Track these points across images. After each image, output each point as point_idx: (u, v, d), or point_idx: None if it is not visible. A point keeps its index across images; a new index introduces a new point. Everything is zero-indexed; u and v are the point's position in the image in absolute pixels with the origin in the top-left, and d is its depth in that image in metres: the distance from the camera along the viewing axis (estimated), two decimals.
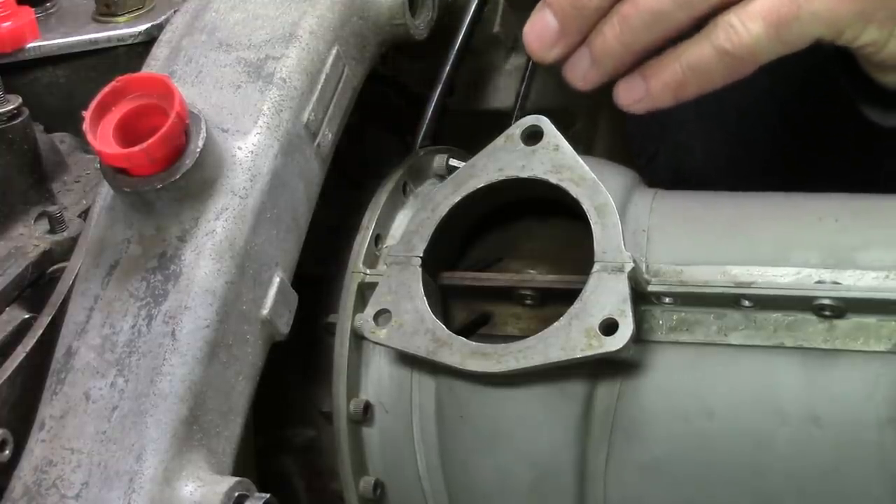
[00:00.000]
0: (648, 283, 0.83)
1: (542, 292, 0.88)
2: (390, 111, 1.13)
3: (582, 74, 0.94)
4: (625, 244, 0.83)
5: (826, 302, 0.79)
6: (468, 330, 0.89)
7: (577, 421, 0.84)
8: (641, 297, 0.83)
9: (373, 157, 1.06)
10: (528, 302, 0.89)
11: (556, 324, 0.82)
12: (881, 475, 0.78)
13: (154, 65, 0.90)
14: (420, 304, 0.86)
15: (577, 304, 0.82)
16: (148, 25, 1.13)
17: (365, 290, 0.91)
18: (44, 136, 1.01)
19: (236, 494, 0.73)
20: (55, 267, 0.91)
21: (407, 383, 0.90)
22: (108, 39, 1.13)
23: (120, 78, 0.77)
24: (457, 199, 0.90)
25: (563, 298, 0.84)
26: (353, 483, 0.90)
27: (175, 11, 0.97)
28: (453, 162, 1.00)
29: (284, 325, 0.83)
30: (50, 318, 0.85)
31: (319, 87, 0.87)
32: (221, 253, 0.78)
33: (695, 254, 0.85)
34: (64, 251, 0.91)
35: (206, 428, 0.76)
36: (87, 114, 0.76)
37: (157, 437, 0.74)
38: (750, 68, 0.89)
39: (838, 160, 1.14)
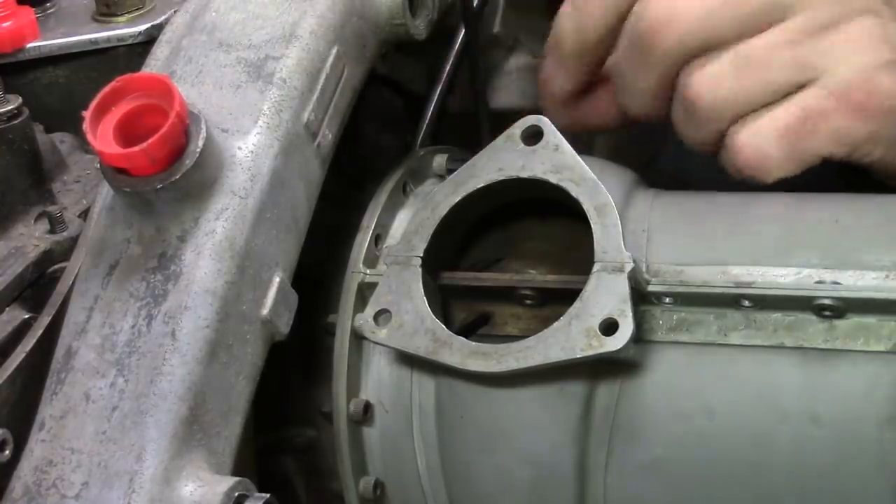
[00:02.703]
0: (648, 283, 0.83)
1: (542, 292, 0.88)
2: (390, 111, 1.13)
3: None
4: (625, 244, 0.83)
5: (826, 302, 0.79)
6: (468, 330, 0.89)
7: (577, 421, 0.84)
8: (641, 297, 0.83)
9: (373, 157, 1.06)
10: (528, 302, 0.89)
11: (556, 324, 0.82)
12: (881, 474, 0.78)
13: (154, 65, 0.90)
14: (420, 304, 0.86)
15: (577, 304, 0.82)
16: (148, 25, 1.13)
17: (365, 290, 0.91)
18: (44, 136, 1.01)
19: (236, 494, 0.73)
20: (55, 267, 0.91)
21: (407, 383, 0.90)
22: (108, 39, 1.13)
23: (120, 78, 0.77)
24: (457, 199, 0.90)
25: (563, 298, 0.84)
26: (353, 483, 0.90)
27: (175, 11, 0.97)
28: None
29: (284, 325, 0.83)
30: (50, 318, 0.85)
31: (319, 87, 0.87)
32: (221, 253, 0.78)
33: (695, 254, 0.85)
34: (64, 251, 0.91)
35: (206, 428, 0.76)
36: (87, 114, 0.76)
37: (157, 437, 0.74)
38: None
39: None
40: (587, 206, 0.85)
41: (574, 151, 0.88)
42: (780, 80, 0.88)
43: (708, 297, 0.82)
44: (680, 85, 0.91)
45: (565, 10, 0.95)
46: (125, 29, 1.14)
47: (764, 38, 0.88)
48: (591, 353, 0.80)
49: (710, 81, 0.89)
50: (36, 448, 0.76)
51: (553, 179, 0.87)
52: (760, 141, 0.89)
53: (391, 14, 0.94)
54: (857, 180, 0.98)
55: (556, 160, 0.88)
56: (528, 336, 0.83)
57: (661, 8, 0.89)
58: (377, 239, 0.94)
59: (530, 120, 0.90)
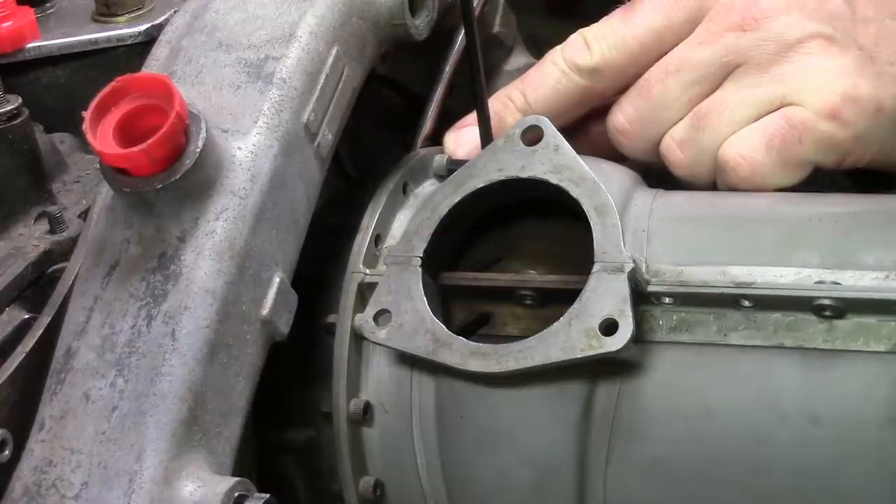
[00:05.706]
0: (648, 283, 0.83)
1: (542, 292, 0.88)
2: (390, 111, 1.13)
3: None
4: (625, 244, 0.83)
5: (826, 302, 0.79)
6: (468, 330, 0.89)
7: (577, 421, 0.84)
8: (641, 298, 0.83)
9: (373, 157, 1.06)
10: (528, 302, 0.89)
11: (556, 324, 0.82)
12: (881, 475, 0.79)
13: (154, 65, 0.90)
14: (420, 304, 0.86)
15: (576, 305, 0.82)
16: (148, 25, 1.13)
17: (365, 290, 0.91)
18: (44, 136, 1.01)
19: (236, 494, 0.73)
20: (55, 267, 0.91)
21: (407, 383, 0.90)
22: (108, 39, 1.14)
23: (120, 78, 0.77)
24: (457, 199, 0.90)
25: (563, 299, 0.84)
26: (353, 483, 0.90)
27: (175, 11, 0.97)
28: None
29: (284, 325, 0.83)
30: (50, 318, 0.85)
31: (319, 87, 0.87)
32: (221, 253, 0.78)
33: (695, 254, 0.85)
34: (64, 251, 0.91)
35: (206, 428, 0.76)
36: (87, 114, 0.76)
37: (157, 437, 0.74)
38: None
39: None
40: (587, 207, 0.85)
41: (574, 152, 0.88)
42: (746, 115, 0.93)
43: (708, 298, 0.82)
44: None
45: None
46: (125, 29, 1.14)
47: (717, 94, 0.95)
48: (591, 353, 0.80)
49: (677, 145, 0.96)
50: (36, 448, 0.76)
51: (553, 180, 0.87)
52: (749, 151, 0.92)
53: (391, 14, 0.94)
54: (863, 178, 0.99)
55: (556, 160, 0.88)
56: (528, 336, 0.83)
57: (613, 119, 1.00)
58: (377, 239, 0.93)
59: (530, 120, 0.90)
